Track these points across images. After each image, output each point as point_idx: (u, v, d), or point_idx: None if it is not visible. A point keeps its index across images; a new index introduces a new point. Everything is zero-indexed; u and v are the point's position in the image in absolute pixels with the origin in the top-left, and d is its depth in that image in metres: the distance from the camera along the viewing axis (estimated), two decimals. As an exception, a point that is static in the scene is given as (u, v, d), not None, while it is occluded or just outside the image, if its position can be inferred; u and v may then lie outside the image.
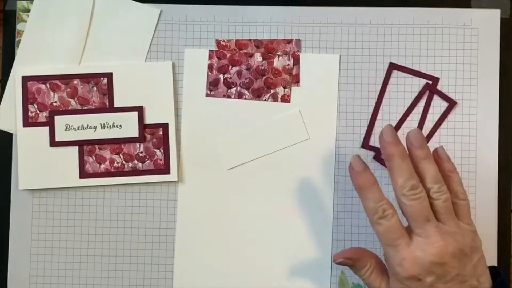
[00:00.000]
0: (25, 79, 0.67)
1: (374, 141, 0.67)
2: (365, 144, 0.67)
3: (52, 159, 0.67)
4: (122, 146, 0.67)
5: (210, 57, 0.67)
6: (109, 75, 0.67)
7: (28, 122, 0.67)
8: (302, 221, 0.67)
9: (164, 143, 0.67)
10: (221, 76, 0.67)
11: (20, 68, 0.67)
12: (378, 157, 0.66)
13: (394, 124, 0.66)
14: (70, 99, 0.67)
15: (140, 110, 0.67)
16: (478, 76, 0.67)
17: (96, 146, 0.67)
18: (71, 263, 0.67)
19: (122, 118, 0.67)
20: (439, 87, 0.67)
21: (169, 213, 0.67)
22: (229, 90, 0.67)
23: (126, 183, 0.67)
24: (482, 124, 0.66)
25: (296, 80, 0.67)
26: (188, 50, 0.67)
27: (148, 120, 0.67)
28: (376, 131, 0.67)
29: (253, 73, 0.67)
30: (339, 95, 0.67)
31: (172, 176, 0.67)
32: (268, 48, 0.67)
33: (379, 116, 0.67)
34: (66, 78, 0.67)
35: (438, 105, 0.67)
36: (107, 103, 0.67)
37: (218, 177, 0.67)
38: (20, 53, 0.68)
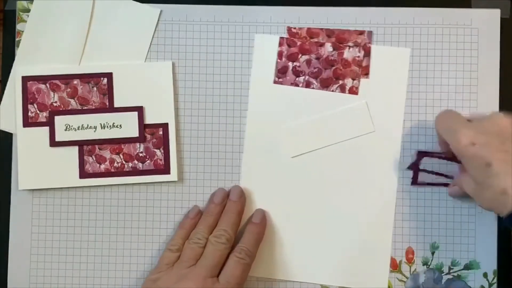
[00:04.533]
0: (25, 79, 0.67)
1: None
2: None
3: (52, 159, 0.67)
4: (122, 146, 0.67)
5: (280, 44, 0.67)
6: (109, 75, 0.67)
7: (28, 122, 0.67)
8: (357, 216, 0.67)
9: (164, 143, 0.67)
10: (290, 64, 0.67)
11: (20, 68, 0.67)
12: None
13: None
14: (70, 99, 0.67)
15: (140, 110, 0.67)
16: (478, 76, 0.67)
17: (96, 146, 0.67)
18: (71, 263, 0.67)
19: (122, 118, 0.67)
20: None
21: (169, 213, 0.67)
22: (297, 79, 0.67)
23: (126, 183, 0.67)
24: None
25: (365, 72, 0.66)
26: (258, 36, 0.68)
27: (148, 120, 0.67)
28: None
29: (323, 63, 0.67)
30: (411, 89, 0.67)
31: (172, 176, 0.67)
32: (340, 38, 0.67)
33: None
34: (66, 78, 0.67)
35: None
36: (107, 103, 0.67)
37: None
38: (20, 53, 0.68)
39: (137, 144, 0.67)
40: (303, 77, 0.67)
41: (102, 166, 0.67)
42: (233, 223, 0.64)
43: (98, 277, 0.67)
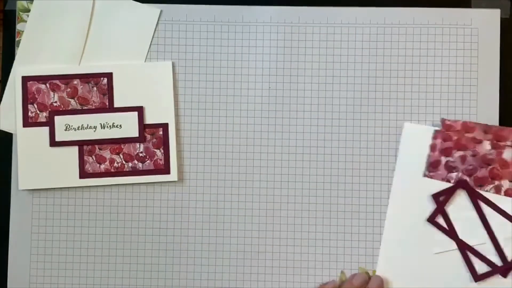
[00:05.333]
0: (25, 79, 0.67)
1: None
2: None
3: (52, 159, 0.67)
4: (122, 146, 0.67)
5: (434, 137, 0.65)
6: (109, 75, 0.67)
7: (28, 122, 0.67)
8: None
9: (164, 143, 0.67)
10: (443, 158, 0.65)
11: (20, 68, 0.67)
12: None
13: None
14: (70, 99, 0.67)
15: (140, 110, 0.67)
16: (478, 76, 0.67)
17: (96, 146, 0.67)
18: (71, 263, 0.67)
19: (122, 118, 0.67)
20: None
21: (169, 213, 0.67)
22: (449, 174, 0.65)
23: (126, 183, 0.67)
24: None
25: None
26: (408, 125, 0.66)
27: (148, 120, 0.67)
28: None
29: (479, 161, 0.65)
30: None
31: (172, 176, 0.67)
32: (497, 136, 0.65)
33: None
34: (66, 78, 0.67)
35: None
36: (107, 103, 0.67)
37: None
38: (20, 53, 0.68)
39: (137, 144, 0.67)
40: (456, 173, 0.65)
41: (102, 166, 0.67)
42: None
43: (98, 277, 0.67)
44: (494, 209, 0.64)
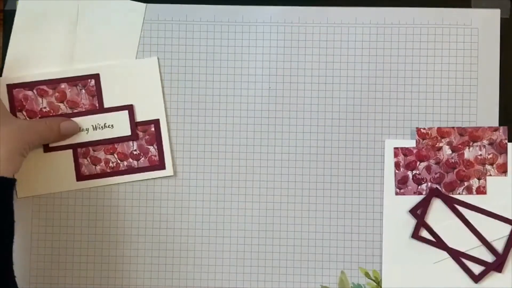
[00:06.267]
0: (10, 87, 0.66)
1: None
2: None
3: (47, 165, 0.66)
4: (116, 145, 0.67)
5: (395, 155, 0.66)
6: (96, 76, 0.66)
7: (18, 130, 0.65)
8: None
9: (156, 139, 0.67)
10: (409, 173, 0.66)
11: (5, 76, 0.66)
12: None
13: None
14: (59, 104, 0.66)
15: (130, 108, 0.66)
16: (478, 76, 0.67)
17: (90, 148, 0.66)
18: (71, 263, 0.67)
19: (113, 118, 0.67)
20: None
21: (169, 212, 0.67)
22: (419, 187, 0.66)
23: (122, 182, 0.67)
24: (482, 124, 0.67)
25: (503, 170, 0.65)
26: (389, 142, 0.67)
27: (139, 117, 0.67)
28: None
29: (443, 167, 0.65)
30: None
31: (168, 171, 0.67)
32: (473, 136, 0.65)
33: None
34: (53, 83, 0.66)
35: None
36: (97, 104, 0.67)
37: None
38: (7, 60, 0.66)
39: (130, 143, 0.67)
40: (425, 184, 0.66)
41: (98, 167, 0.67)
42: None
43: (98, 277, 0.67)
44: (472, 209, 0.66)
